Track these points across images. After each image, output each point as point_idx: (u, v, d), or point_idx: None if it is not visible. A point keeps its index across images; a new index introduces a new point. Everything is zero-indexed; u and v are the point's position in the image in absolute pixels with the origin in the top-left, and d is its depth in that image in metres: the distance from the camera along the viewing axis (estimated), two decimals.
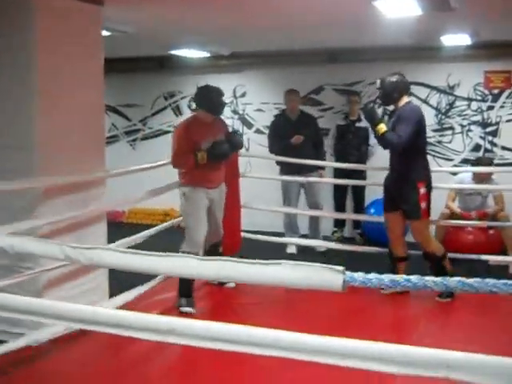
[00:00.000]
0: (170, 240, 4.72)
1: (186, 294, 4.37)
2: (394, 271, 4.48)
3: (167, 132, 8.10)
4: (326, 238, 6.64)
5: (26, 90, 3.67)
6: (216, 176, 4.54)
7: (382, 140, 4.45)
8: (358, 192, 6.99)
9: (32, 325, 3.22)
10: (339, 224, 7.13)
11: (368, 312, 4.41)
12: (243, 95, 7.85)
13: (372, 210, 6.62)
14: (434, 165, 4.73)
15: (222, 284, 4.83)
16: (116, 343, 3.35)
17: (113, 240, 4.23)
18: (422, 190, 4.37)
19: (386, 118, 4.57)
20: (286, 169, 6.22)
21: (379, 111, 4.47)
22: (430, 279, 1.89)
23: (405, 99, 4.50)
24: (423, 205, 4.37)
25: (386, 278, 1.79)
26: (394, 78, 4.47)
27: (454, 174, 6.38)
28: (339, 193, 7.06)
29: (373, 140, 6.09)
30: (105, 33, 4.75)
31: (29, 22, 3.61)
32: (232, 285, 4.77)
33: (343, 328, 3.86)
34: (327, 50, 6.96)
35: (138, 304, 4.27)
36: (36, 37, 3.63)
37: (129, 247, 3.94)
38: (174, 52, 7.01)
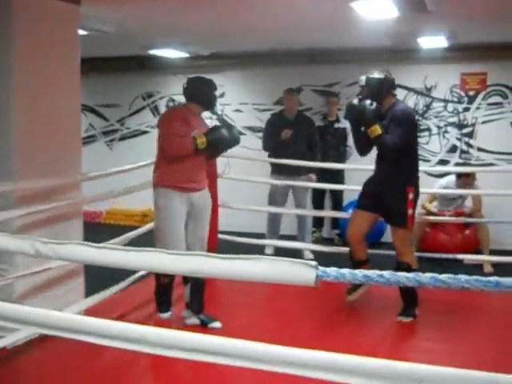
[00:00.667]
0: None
1: (161, 300, 4.27)
2: None
3: (145, 132, 8.07)
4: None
5: (3, 91, 3.61)
6: (200, 176, 4.04)
7: (375, 143, 4.19)
8: (337, 193, 7.01)
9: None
10: (317, 224, 7.13)
11: (339, 317, 4.40)
12: (222, 96, 7.82)
13: (350, 211, 6.63)
14: None
15: (204, 324, 4.09)
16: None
17: (90, 241, 4.16)
18: (411, 196, 4.13)
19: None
20: (276, 169, 6.21)
21: (371, 107, 4.18)
22: (403, 275, 1.90)
23: (392, 97, 4.24)
24: (410, 211, 4.14)
25: (360, 273, 1.80)
26: (381, 75, 4.16)
27: (432, 174, 6.47)
28: (318, 193, 7.07)
29: (351, 141, 6.02)
30: (83, 32, 4.72)
31: (6, 21, 3.56)
32: (218, 325, 4.07)
33: (315, 338, 3.90)
34: (306, 51, 7.00)
35: (112, 306, 4.25)
36: (13, 37, 3.58)
37: None
38: (153, 52, 6.98)
